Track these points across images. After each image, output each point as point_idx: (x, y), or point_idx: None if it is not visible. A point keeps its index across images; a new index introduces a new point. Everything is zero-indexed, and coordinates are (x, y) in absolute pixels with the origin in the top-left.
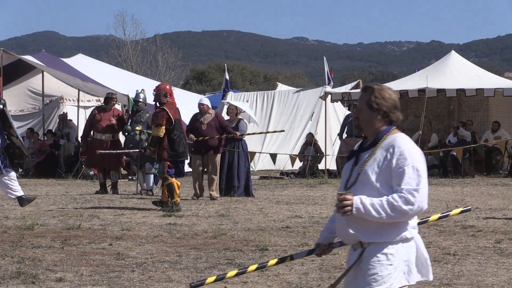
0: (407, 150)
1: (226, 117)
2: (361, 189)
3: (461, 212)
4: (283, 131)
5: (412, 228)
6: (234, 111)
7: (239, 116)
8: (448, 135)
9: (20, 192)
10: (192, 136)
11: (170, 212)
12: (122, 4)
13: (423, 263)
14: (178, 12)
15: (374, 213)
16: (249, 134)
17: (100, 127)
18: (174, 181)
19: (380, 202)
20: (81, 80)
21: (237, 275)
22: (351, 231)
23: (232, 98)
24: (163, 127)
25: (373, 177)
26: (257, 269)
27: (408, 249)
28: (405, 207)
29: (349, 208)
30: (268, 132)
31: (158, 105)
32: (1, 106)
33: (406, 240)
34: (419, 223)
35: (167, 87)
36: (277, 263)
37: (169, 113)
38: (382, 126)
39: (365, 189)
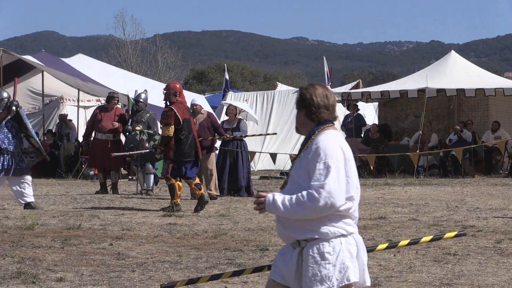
0: (322, 146)
1: (225, 118)
2: (290, 188)
3: (456, 236)
4: (275, 133)
5: (348, 225)
6: (233, 111)
7: (239, 116)
8: (449, 135)
9: (30, 198)
10: None
11: (170, 212)
12: (122, 4)
13: (361, 266)
14: (177, 12)
15: (283, 209)
16: (241, 136)
17: (101, 127)
18: (176, 181)
19: (290, 198)
20: (81, 80)
21: (210, 279)
22: (285, 229)
23: (232, 98)
24: (172, 126)
25: (297, 176)
26: (233, 275)
27: (347, 245)
28: (309, 203)
29: (262, 205)
30: (260, 135)
31: (167, 104)
32: (14, 108)
33: (343, 236)
34: (410, 243)
35: (177, 86)
36: (253, 272)
37: (177, 113)
38: (311, 125)
39: (293, 188)
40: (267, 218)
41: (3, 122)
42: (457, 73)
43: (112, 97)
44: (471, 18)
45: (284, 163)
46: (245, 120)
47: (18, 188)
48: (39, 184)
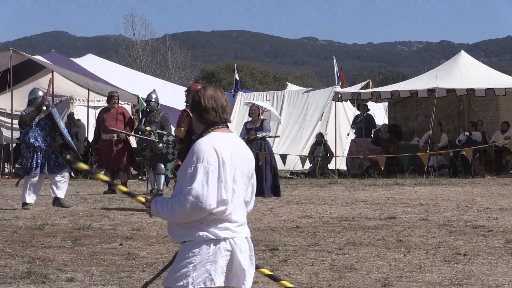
0: (196, 149)
1: (249, 118)
2: (175, 191)
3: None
4: (278, 136)
5: (223, 229)
6: (256, 111)
7: (262, 116)
8: (458, 135)
9: (61, 194)
10: None
11: None
12: (132, 4)
13: (237, 271)
14: (187, 12)
15: (162, 213)
16: (243, 138)
17: (104, 127)
18: None
19: (167, 202)
20: (91, 80)
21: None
22: (167, 233)
23: (242, 98)
24: (182, 128)
25: (180, 179)
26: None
27: (216, 250)
28: (178, 207)
29: (149, 209)
30: (263, 138)
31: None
32: (44, 107)
33: (214, 240)
34: (271, 279)
35: (198, 88)
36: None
37: (191, 114)
38: (201, 127)
39: (177, 191)
40: (277, 218)
41: (35, 121)
42: (467, 73)
43: (111, 96)
44: (481, 18)
45: (294, 163)
46: (268, 120)
47: (54, 183)
48: (49, 184)
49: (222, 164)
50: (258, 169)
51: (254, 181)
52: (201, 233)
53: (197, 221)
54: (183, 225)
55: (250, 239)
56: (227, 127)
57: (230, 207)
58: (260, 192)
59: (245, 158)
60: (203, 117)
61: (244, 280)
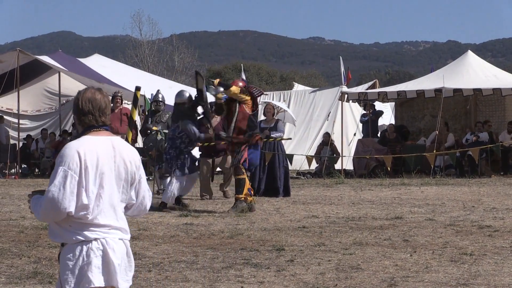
0: (62, 153)
1: (262, 118)
2: None
3: None
4: (290, 138)
5: (92, 231)
6: (271, 111)
7: (277, 117)
8: (465, 135)
9: (164, 199)
10: None
11: (240, 213)
12: (139, 4)
13: (112, 271)
14: (194, 12)
15: (33, 211)
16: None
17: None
18: (246, 178)
19: (37, 201)
20: (96, 82)
21: None
22: (48, 232)
23: None
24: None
25: None
26: None
27: (88, 251)
28: (38, 208)
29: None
30: (274, 139)
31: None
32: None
33: (85, 242)
34: None
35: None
36: None
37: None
38: (80, 129)
39: None
40: (283, 218)
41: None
42: (474, 73)
43: (114, 96)
44: (488, 18)
45: (300, 163)
46: (283, 121)
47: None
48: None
49: (85, 169)
50: (272, 170)
51: (140, 185)
52: (71, 235)
53: (65, 224)
54: (58, 228)
55: (128, 243)
56: (106, 129)
57: (95, 212)
58: (275, 192)
59: (122, 162)
60: (80, 119)
61: (117, 278)
